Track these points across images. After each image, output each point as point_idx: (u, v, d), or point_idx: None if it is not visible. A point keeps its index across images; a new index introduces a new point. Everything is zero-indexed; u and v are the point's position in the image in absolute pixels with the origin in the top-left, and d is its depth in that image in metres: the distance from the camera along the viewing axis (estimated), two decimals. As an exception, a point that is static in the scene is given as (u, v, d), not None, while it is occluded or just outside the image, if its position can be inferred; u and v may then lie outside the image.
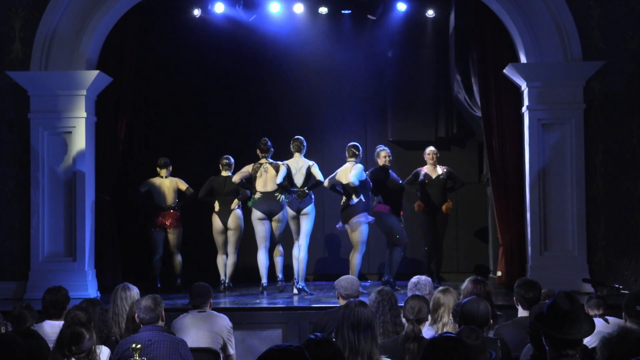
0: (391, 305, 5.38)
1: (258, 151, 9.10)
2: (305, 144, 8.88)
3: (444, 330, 5.14)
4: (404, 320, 5.04)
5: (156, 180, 9.58)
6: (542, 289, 5.66)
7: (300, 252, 8.80)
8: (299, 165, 8.78)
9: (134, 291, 5.75)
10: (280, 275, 9.10)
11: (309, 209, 8.77)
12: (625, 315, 5.02)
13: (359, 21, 10.68)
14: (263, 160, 9.04)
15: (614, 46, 9.05)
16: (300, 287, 8.71)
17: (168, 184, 9.55)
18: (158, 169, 9.60)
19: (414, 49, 10.84)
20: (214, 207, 9.38)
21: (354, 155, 9.01)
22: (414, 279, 6.07)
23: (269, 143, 9.08)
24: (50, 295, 5.58)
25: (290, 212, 8.82)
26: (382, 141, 10.27)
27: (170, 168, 9.63)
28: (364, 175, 8.92)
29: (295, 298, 8.60)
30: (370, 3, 10.19)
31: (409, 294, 5.88)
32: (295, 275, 8.85)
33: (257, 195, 8.95)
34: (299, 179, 8.76)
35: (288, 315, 7.68)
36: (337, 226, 9.30)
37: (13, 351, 3.13)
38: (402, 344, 4.72)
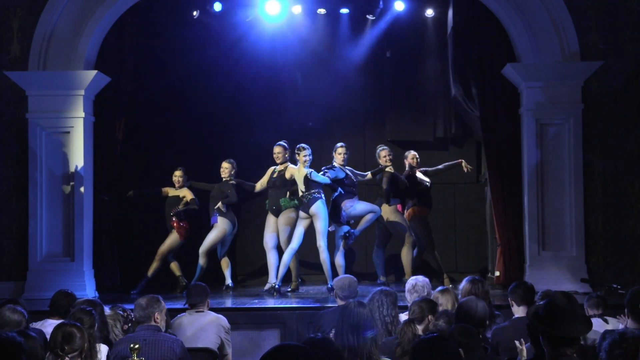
0: (392, 305, 5.37)
1: (284, 155, 9.12)
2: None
3: (443, 330, 5.14)
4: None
5: (169, 190, 9.69)
6: (539, 290, 5.69)
7: (321, 253, 8.67)
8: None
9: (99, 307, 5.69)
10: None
11: (315, 208, 8.62)
12: (628, 313, 4.96)
13: (357, 21, 10.66)
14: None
15: (612, 46, 9.06)
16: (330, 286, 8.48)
17: (178, 194, 9.62)
18: (174, 178, 9.66)
19: (412, 49, 10.83)
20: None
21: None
22: (412, 280, 6.02)
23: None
24: (57, 296, 5.79)
25: (302, 213, 8.77)
26: (380, 141, 10.26)
27: (186, 177, 9.71)
28: None
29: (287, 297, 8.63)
30: (368, 3, 10.19)
31: (407, 295, 5.88)
32: (275, 278, 8.85)
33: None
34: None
35: (286, 316, 7.68)
36: (330, 228, 8.92)
37: (13, 351, 3.12)
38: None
